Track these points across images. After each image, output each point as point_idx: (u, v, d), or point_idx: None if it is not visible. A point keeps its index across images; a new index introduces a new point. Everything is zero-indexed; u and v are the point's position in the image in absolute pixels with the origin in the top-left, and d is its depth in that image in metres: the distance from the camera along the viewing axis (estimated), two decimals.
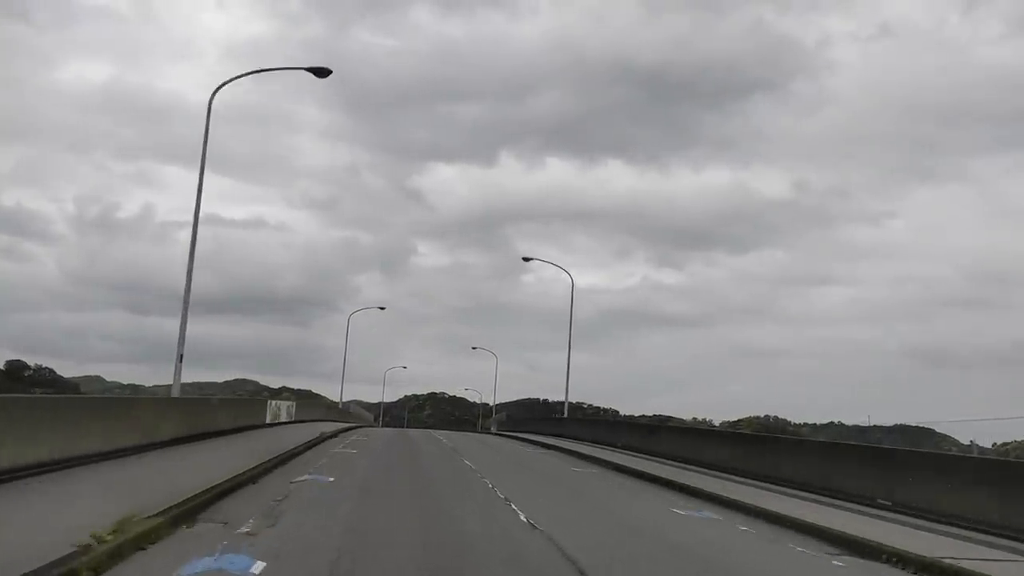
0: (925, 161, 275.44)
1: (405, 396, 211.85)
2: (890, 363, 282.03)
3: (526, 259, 48.57)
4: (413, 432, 51.43)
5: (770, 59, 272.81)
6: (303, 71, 24.23)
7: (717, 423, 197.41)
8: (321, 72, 23.75)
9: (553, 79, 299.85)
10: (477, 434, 57.73)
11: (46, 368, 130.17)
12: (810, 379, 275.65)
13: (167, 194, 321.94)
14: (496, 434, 56.48)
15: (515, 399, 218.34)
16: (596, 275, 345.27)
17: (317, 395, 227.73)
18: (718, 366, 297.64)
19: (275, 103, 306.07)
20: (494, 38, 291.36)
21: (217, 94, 22.96)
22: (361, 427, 48.90)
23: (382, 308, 61.41)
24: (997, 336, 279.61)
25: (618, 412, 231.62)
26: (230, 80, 23.72)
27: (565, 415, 46.39)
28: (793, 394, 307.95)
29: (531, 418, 72.98)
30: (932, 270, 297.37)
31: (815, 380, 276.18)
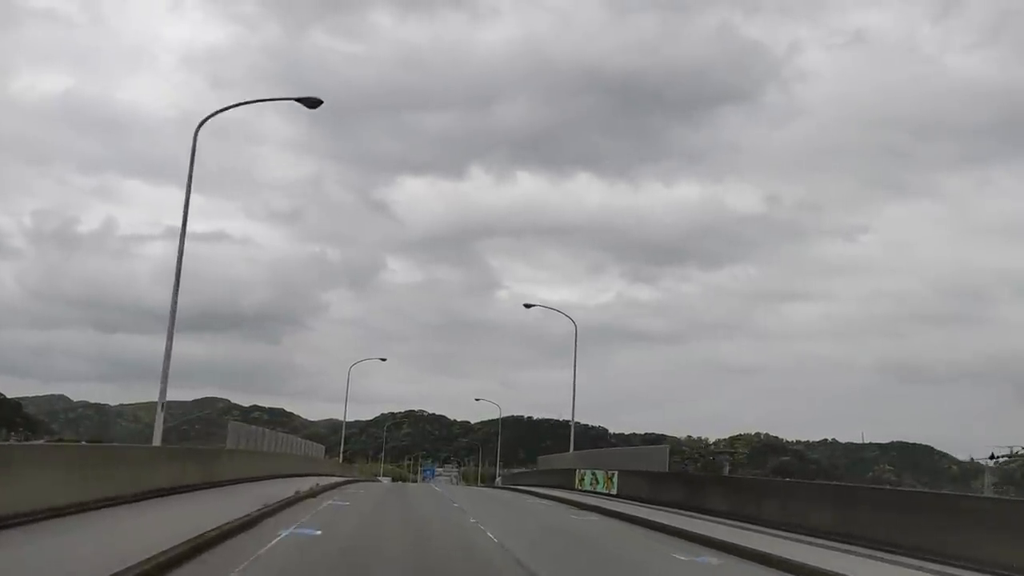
0: (897, 175, 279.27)
1: (382, 414, 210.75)
2: (865, 379, 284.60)
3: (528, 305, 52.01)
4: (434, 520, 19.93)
5: (739, 66, 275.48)
6: (294, 101, 23.29)
7: (712, 441, 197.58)
8: (311, 102, 22.92)
9: (520, 86, 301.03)
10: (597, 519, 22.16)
11: None
12: (788, 395, 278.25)
13: (128, 207, 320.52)
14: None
15: (492, 418, 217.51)
16: (569, 291, 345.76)
17: (291, 414, 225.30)
18: (695, 383, 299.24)
19: (235, 112, 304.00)
20: (457, 42, 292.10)
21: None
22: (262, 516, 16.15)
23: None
24: (972, 351, 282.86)
25: (607, 430, 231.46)
26: (215, 113, 22.73)
27: None
28: (773, 410, 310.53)
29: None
30: (905, 285, 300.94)
31: (793, 395, 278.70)
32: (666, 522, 19.37)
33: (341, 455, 74.29)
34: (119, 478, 15.33)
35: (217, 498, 18.59)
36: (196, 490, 19.52)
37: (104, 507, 13.81)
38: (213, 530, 12.33)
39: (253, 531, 14.29)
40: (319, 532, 14.88)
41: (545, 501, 30.61)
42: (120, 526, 12.42)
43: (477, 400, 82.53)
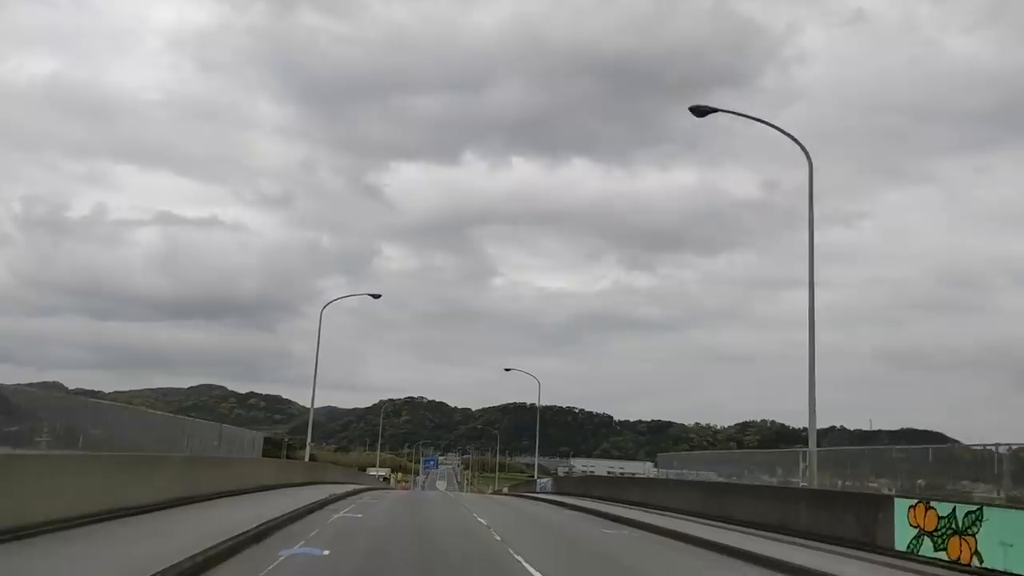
0: (895, 161, 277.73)
1: (380, 401, 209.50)
2: (864, 366, 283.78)
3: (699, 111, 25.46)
4: None
5: (737, 47, 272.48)
6: None
7: (719, 428, 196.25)
8: None
9: (512, 68, 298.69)
10: None
11: None
12: (789, 382, 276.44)
13: (118, 193, 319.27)
14: None
15: (493, 405, 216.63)
16: (566, 278, 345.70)
17: (288, 401, 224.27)
18: (695, 370, 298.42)
19: (225, 96, 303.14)
20: (447, 22, 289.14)
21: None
22: None
23: None
24: (970, 339, 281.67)
25: (612, 417, 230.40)
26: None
27: None
28: (775, 397, 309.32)
29: None
30: (903, 272, 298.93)
31: (794, 383, 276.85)
32: None
33: (307, 452, 50.23)
34: None
35: None
36: None
37: None
38: None
39: None
40: None
41: None
42: None
43: (507, 370, 73.40)
